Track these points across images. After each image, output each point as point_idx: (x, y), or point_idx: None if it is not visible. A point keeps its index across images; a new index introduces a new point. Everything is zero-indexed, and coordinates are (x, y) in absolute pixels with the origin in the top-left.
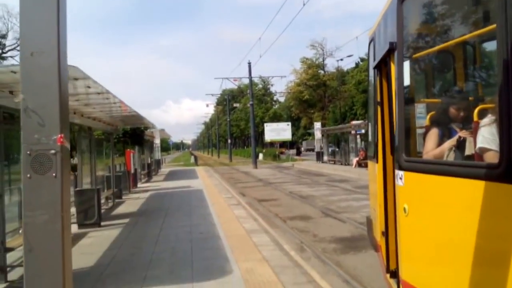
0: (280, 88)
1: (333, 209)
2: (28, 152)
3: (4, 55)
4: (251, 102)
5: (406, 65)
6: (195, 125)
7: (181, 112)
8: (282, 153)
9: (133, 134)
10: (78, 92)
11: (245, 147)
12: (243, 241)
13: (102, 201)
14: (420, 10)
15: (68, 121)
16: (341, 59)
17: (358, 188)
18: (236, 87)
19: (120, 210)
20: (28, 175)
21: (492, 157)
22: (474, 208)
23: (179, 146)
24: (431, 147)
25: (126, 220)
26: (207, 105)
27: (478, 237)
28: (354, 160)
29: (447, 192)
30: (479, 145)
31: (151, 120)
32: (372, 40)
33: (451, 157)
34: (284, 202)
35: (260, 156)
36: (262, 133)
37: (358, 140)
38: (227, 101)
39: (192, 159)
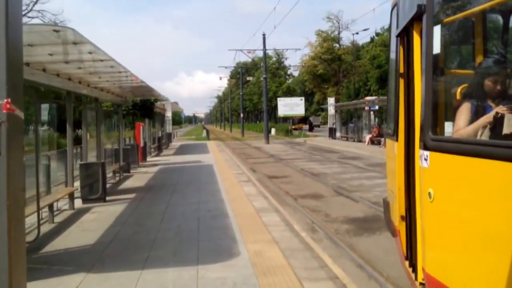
0: (294, 62)
1: (345, 187)
2: None
3: None
4: (264, 76)
5: (437, 30)
6: (208, 98)
7: (194, 85)
8: (299, 128)
9: (143, 107)
10: (80, 59)
11: (258, 122)
12: (252, 220)
13: (109, 175)
14: None
15: (22, 82)
16: (357, 33)
17: (371, 166)
18: (250, 59)
19: (127, 184)
20: None
21: None
22: None
23: (191, 120)
24: (463, 124)
25: (132, 195)
26: (220, 78)
27: None
28: (367, 137)
29: (481, 176)
30: None
31: (163, 92)
32: (395, 5)
33: (485, 136)
34: (295, 179)
35: (273, 131)
36: (275, 108)
37: (372, 116)
38: (241, 74)
39: (204, 133)
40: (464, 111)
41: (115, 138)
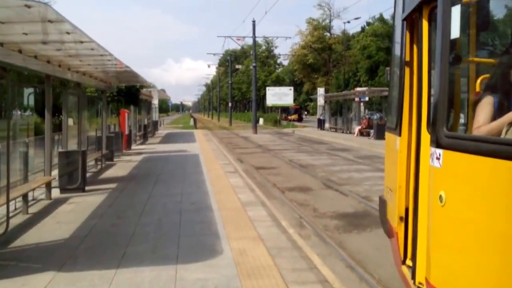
0: (284, 51)
1: (335, 180)
2: None
3: None
4: (254, 64)
5: (455, 11)
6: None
7: (182, 72)
8: (295, 120)
9: (128, 93)
10: (59, 39)
11: (246, 111)
12: (238, 214)
13: (92, 163)
14: None
15: None
16: (348, 22)
17: (360, 158)
18: (239, 47)
19: (109, 173)
20: None
21: None
22: None
23: (179, 108)
24: (484, 120)
25: (113, 185)
26: (209, 66)
27: None
28: (356, 128)
29: (506, 181)
30: None
31: (150, 79)
32: None
33: (511, 135)
34: (283, 170)
35: (261, 121)
36: (263, 97)
37: (362, 107)
38: (229, 62)
39: (192, 122)
40: (486, 105)
41: (98, 125)
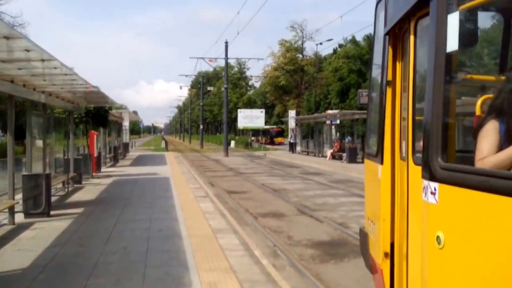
0: (256, 73)
1: (309, 205)
2: None
3: None
4: (225, 86)
5: (453, 19)
6: (168, 108)
7: (154, 94)
8: (280, 143)
9: (96, 114)
10: (18, 57)
11: (218, 133)
12: (208, 242)
13: (59, 186)
14: None
15: None
16: (321, 43)
17: (334, 182)
18: (211, 68)
19: (76, 197)
20: None
21: None
22: None
23: (150, 130)
24: (489, 150)
25: (80, 210)
26: (181, 88)
27: None
28: (329, 152)
29: None
30: None
31: (123, 101)
32: None
33: None
34: (256, 195)
35: (232, 143)
36: (235, 119)
37: (333, 130)
38: (201, 83)
39: (163, 144)
40: (490, 131)
41: (65, 147)
